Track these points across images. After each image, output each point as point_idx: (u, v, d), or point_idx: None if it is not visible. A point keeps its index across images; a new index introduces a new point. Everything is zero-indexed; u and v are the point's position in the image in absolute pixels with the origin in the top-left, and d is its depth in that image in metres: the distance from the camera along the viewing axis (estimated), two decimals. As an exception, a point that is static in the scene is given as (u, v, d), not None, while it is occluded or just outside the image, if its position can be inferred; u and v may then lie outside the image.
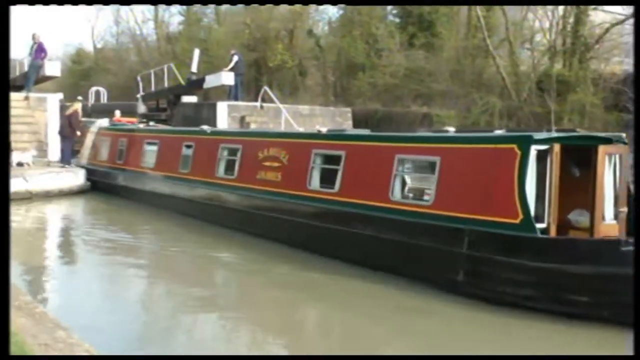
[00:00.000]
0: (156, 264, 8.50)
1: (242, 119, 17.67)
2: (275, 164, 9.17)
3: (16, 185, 12.13)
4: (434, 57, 21.76)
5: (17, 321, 4.12)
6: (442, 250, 6.55)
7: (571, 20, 17.85)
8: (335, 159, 8.31)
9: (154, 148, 12.84)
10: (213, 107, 17.73)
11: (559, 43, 18.23)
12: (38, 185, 13.23)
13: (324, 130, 8.93)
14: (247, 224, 9.55)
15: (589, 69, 17.35)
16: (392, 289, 6.80)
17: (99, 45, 44.71)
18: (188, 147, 11.66)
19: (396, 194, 7.36)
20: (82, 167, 15.11)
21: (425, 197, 7.27)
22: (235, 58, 18.51)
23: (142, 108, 20.95)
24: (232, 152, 10.40)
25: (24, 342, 3.78)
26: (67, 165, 14.89)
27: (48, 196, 13.29)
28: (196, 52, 20.51)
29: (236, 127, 17.41)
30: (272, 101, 17.83)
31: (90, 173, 14.83)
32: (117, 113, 17.58)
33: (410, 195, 7.70)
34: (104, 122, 16.18)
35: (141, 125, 15.74)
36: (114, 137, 14.77)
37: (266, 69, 27.36)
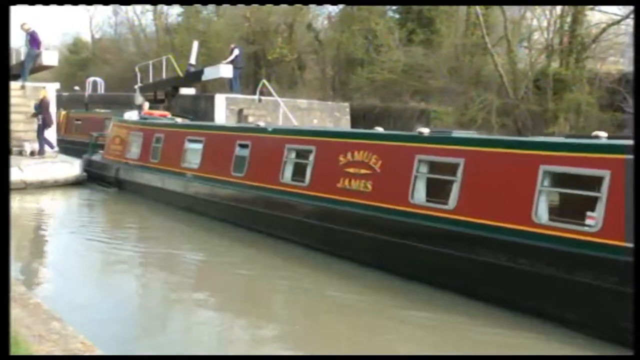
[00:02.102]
0: (170, 265, 7.91)
1: (240, 111, 17.69)
2: (363, 171, 7.75)
3: (11, 174, 12.14)
4: (433, 54, 21.78)
5: (12, 312, 4.15)
6: (619, 292, 5.10)
7: (569, 19, 17.90)
8: (448, 168, 6.89)
9: (198, 146, 11.24)
10: (211, 100, 17.73)
11: (556, 42, 18.28)
12: (33, 175, 13.22)
13: (425, 131, 7.54)
14: (321, 239, 8.13)
15: (585, 68, 17.43)
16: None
17: (97, 36, 44.53)
18: (243, 146, 10.06)
19: (541, 215, 5.91)
20: (108, 164, 14.13)
21: (588, 222, 5.65)
22: (236, 52, 18.50)
23: (139, 99, 20.90)
24: (303, 154, 8.89)
25: (18, 333, 3.81)
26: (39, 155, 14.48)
27: (43, 186, 13.28)
28: (195, 44, 20.47)
29: (234, 120, 17.41)
30: (270, 94, 17.84)
31: (113, 171, 13.77)
32: (146, 105, 16.41)
33: (563, 217, 6.09)
34: (132, 114, 14.89)
35: (179, 120, 14.36)
36: (147, 132, 13.12)
37: (265, 62, 27.31)
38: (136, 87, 21.56)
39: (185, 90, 19.51)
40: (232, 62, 18.25)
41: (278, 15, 27.16)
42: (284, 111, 16.91)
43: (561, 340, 5.37)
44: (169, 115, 15.33)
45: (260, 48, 27.56)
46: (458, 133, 7.59)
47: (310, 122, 17.93)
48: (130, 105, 20.96)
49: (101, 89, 29.42)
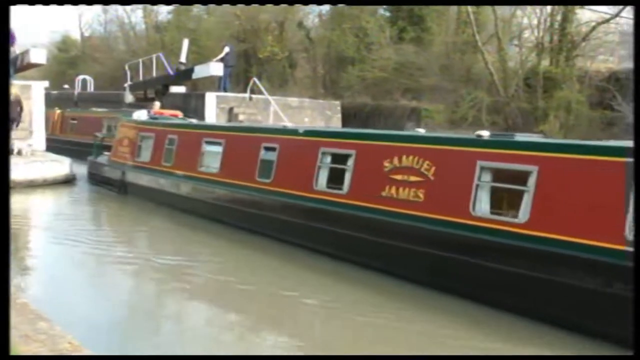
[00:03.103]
0: (172, 270, 7.62)
1: (231, 110, 17.63)
2: (413, 178, 7.03)
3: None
4: (424, 52, 21.84)
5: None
6: None
7: (559, 17, 18.03)
8: (517, 176, 6.20)
9: (218, 149, 10.48)
10: (202, 98, 17.66)
11: (547, 40, 18.39)
12: (21, 174, 13.06)
13: (485, 134, 6.78)
14: (361, 252, 7.41)
15: (575, 67, 17.56)
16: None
17: (86, 34, 44.22)
18: (269, 149, 9.31)
19: (628, 232, 5.24)
20: (115, 167, 13.41)
21: None
22: (227, 49, 18.42)
23: (129, 98, 20.77)
24: (340, 159, 8.17)
25: (5, 333, 3.76)
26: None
27: (32, 185, 13.14)
28: (185, 42, 20.37)
29: (224, 118, 17.35)
30: (261, 93, 17.79)
31: (121, 174, 13.10)
32: (157, 105, 15.72)
33: None
34: (142, 114, 14.12)
35: (193, 120, 13.66)
36: (159, 133, 12.34)
37: (256, 60, 27.27)
38: (126, 85, 21.42)
39: (176, 89, 19.41)
40: (222, 60, 18.18)
41: (269, 13, 27.11)
42: (274, 109, 16.87)
43: (561, 341, 5.30)
44: (181, 115, 14.69)
45: (250, 46, 27.50)
46: (522, 136, 6.93)
47: (302, 121, 17.89)
48: (120, 103, 20.83)
49: (90, 88, 29.22)
